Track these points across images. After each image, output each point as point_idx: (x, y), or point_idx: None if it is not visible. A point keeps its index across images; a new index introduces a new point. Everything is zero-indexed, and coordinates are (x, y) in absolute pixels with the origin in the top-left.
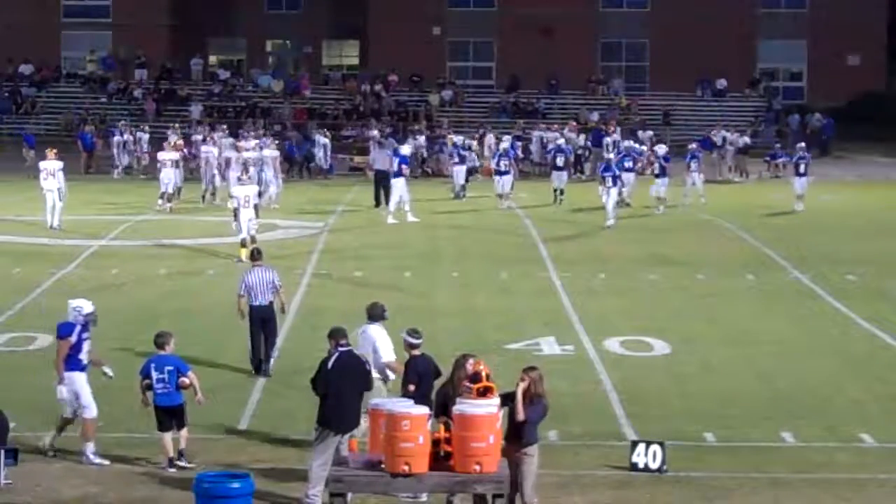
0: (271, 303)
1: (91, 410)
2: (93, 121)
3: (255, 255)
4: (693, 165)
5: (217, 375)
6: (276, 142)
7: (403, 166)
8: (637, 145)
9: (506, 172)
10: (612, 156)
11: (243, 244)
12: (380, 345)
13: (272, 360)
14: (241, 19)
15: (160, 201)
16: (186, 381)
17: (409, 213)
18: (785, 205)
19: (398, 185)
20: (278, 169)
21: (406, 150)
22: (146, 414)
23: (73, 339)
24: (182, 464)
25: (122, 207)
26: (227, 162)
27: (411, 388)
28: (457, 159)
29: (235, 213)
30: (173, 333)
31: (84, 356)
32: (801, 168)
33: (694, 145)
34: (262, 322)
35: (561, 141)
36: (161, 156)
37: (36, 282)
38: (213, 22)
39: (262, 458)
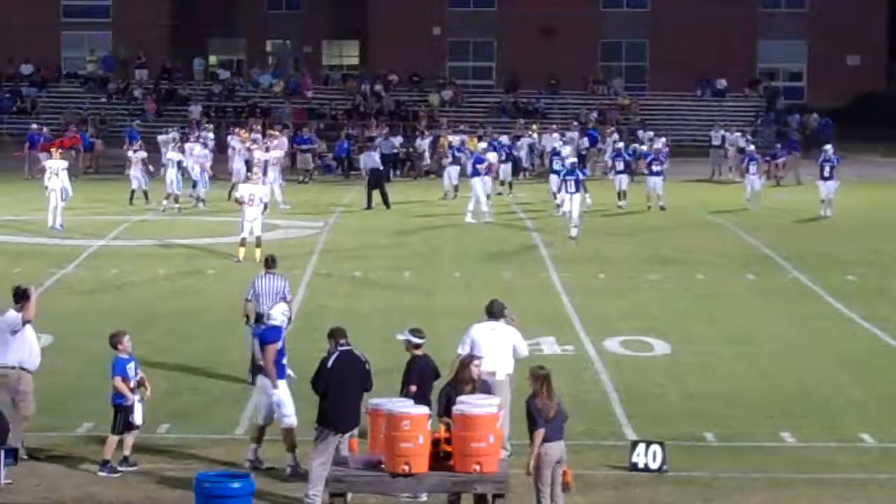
0: None
1: (293, 419)
2: (93, 121)
3: (269, 263)
4: (752, 168)
5: (217, 375)
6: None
7: (479, 165)
8: (662, 146)
9: (486, 174)
10: (574, 159)
11: (243, 243)
12: (518, 341)
13: None
14: (241, 19)
15: (165, 202)
16: (112, 384)
17: (469, 214)
18: (785, 204)
19: (476, 185)
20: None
21: (492, 156)
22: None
23: (280, 344)
24: (103, 473)
25: (123, 207)
26: (247, 164)
27: (412, 388)
28: (450, 159)
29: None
30: (127, 332)
31: (286, 361)
32: (827, 171)
33: (752, 147)
34: None
35: (557, 144)
36: (130, 155)
37: (36, 282)
38: (213, 22)
39: (262, 458)
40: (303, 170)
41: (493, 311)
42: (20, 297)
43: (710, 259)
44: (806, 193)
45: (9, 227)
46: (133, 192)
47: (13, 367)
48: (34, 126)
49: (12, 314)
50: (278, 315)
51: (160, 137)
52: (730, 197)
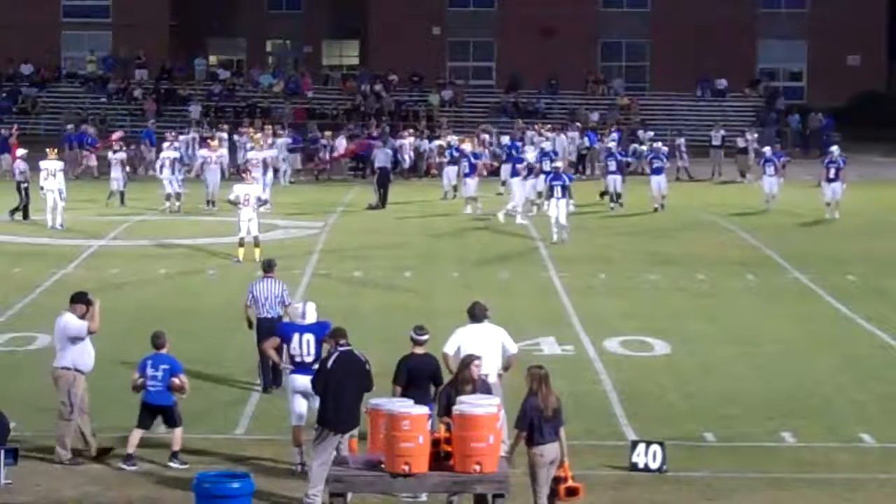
0: (280, 316)
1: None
2: (92, 121)
3: (266, 267)
4: (769, 169)
5: (217, 375)
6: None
7: (519, 166)
8: (662, 146)
9: (470, 174)
10: (560, 163)
11: (241, 244)
12: (506, 339)
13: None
14: (241, 19)
15: (167, 203)
16: (177, 381)
17: (519, 216)
18: (784, 204)
19: (515, 186)
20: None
21: (530, 155)
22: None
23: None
24: (175, 464)
25: (121, 208)
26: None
27: (398, 390)
28: (448, 158)
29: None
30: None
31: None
32: (832, 173)
33: (768, 149)
34: (270, 334)
35: (546, 144)
36: (110, 156)
37: (36, 282)
38: (213, 22)
39: (262, 457)
40: (293, 170)
41: (476, 314)
42: (79, 300)
43: (710, 259)
44: (804, 194)
45: (9, 227)
46: (122, 192)
47: (68, 369)
48: (70, 127)
49: (74, 322)
50: (313, 312)
51: (181, 138)
52: (730, 197)
